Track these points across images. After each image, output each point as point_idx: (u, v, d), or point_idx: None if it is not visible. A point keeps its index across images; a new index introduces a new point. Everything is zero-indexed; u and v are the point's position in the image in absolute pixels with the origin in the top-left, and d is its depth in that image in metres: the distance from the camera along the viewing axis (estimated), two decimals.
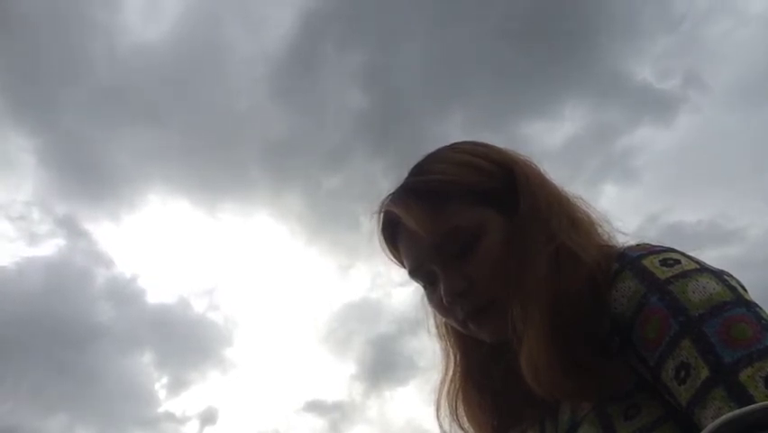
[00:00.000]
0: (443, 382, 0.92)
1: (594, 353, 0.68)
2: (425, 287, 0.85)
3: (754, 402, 0.55)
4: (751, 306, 0.63)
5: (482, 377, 0.87)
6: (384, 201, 0.86)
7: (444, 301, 0.79)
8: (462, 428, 0.90)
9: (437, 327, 0.94)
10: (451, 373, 0.91)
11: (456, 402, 0.90)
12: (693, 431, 0.62)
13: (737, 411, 0.53)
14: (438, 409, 0.91)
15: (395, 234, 0.86)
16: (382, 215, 0.87)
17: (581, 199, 0.83)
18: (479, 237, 0.78)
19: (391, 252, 0.89)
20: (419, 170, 0.85)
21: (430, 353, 0.96)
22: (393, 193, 0.85)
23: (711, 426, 0.54)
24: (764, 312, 0.64)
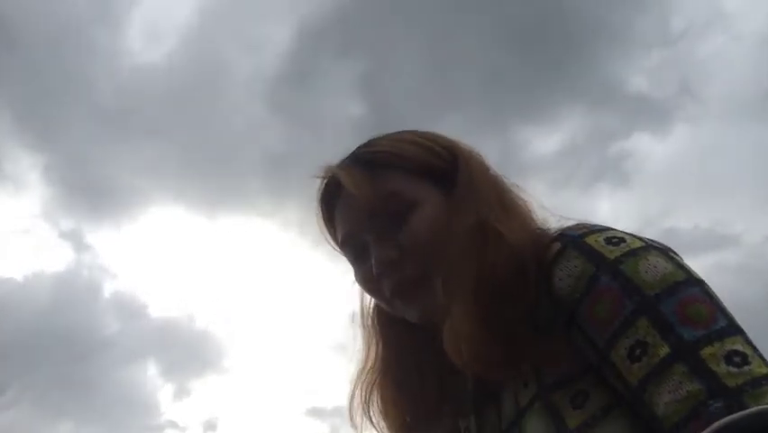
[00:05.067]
0: (359, 374, 0.89)
1: (521, 326, 0.68)
2: (353, 262, 0.85)
3: (717, 378, 0.56)
4: (702, 284, 0.64)
5: (402, 371, 0.86)
6: (327, 166, 0.86)
7: (374, 271, 0.79)
8: (374, 423, 0.87)
9: (362, 316, 0.92)
10: (369, 364, 0.89)
11: (370, 396, 0.87)
12: (641, 413, 0.61)
13: (738, 414, 0.53)
14: (351, 401, 0.88)
15: (332, 204, 0.86)
16: (324, 181, 0.86)
17: (518, 187, 0.85)
18: (413, 208, 0.79)
19: (326, 224, 0.88)
20: (367, 142, 0.87)
21: None
22: (339, 161, 0.86)
23: (711, 427, 0.54)
24: (712, 290, 0.64)
